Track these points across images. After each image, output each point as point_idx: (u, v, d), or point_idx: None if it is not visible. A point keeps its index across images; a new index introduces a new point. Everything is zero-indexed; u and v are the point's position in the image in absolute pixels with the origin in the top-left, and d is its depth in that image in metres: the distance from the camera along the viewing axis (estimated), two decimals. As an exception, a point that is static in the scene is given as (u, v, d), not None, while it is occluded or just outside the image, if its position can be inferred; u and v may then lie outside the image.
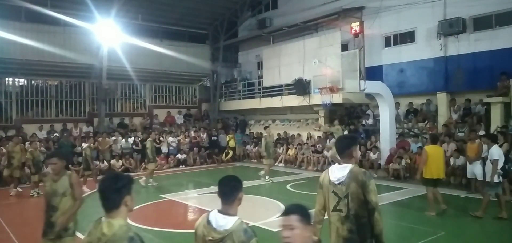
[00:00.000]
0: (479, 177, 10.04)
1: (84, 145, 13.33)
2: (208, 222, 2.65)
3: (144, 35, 19.38)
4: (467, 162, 10.56)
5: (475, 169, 10.09)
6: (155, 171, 16.49)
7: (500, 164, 8.12)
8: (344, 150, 3.52)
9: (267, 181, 13.15)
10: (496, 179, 8.10)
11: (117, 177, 2.44)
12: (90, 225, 2.41)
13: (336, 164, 3.55)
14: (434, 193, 8.70)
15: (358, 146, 4.62)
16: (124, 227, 2.28)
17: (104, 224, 2.31)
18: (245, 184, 12.69)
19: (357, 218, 3.34)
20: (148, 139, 14.47)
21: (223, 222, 2.59)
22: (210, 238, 2.60)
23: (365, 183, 3.33)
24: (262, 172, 13.61)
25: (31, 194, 11.74)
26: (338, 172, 3.44)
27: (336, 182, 3.42)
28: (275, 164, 17.68)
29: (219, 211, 2.67)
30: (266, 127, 15.26)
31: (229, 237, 2.55)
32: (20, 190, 12.26)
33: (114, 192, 2.33)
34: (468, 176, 10.58)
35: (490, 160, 8.25)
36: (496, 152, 8.14)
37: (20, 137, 13.49)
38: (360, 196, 3.33)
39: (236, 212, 2.69)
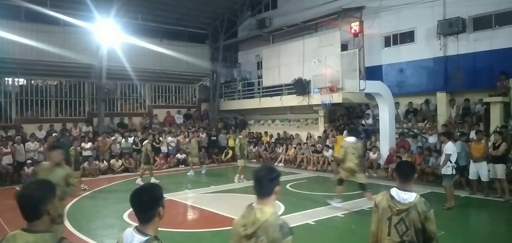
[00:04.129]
0: (484, 177, 10.05)
1: (145, 141, 14.38)
2: (391, 197, 3.41)
3: (143, 35, 19.37)
4: (470, 164, 10.50)
5: (480, 170, 10.12)
6: (154, 171, 16.59)
7: (453, 158, 9.02)
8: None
9: None
10: (449, 172, 9.03)
11: (271, 168, 2.74)
12: (244, 209, 2.69)
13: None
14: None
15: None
16: (274, 215, 2.58)
17: (257, 210, 2.59)
18: (246, 184, 12.77)
19: None
20: (239, 136, 14.76)
21: (406, 196, 3.36)
22: (398, 208, 3.36)
23: None
24: None
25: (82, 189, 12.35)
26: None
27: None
28: (275, 164, 17.72)
29: (399, 189, 3.42)
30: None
31: (413, 207, 3.32)
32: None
33: (269, 181, 2.63)
34: (471, 177, 10.50)
35: (445, 153, 9.12)
36: (450, 147, 9.11)
37: None
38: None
39: (412, 189, 3.42)
